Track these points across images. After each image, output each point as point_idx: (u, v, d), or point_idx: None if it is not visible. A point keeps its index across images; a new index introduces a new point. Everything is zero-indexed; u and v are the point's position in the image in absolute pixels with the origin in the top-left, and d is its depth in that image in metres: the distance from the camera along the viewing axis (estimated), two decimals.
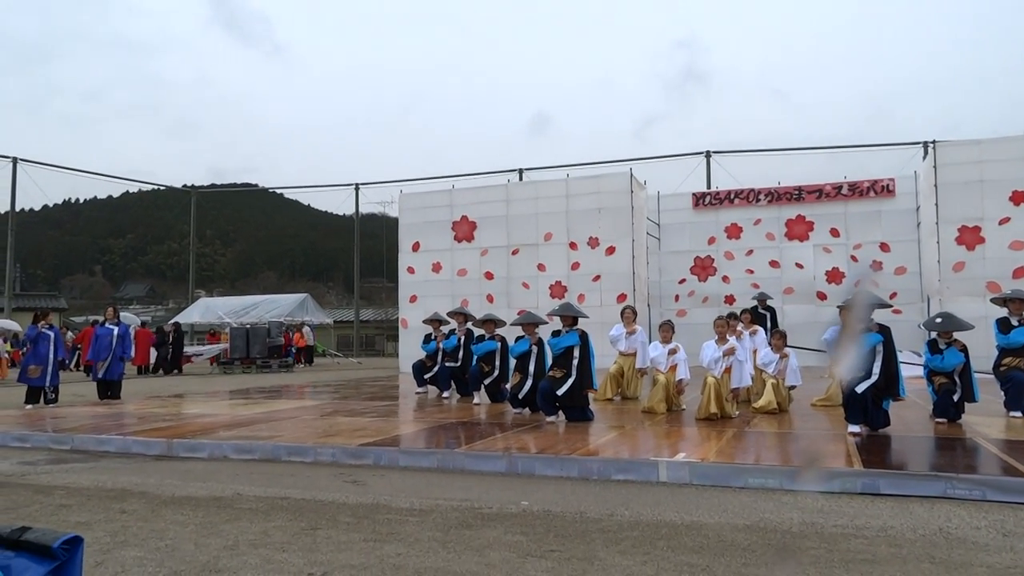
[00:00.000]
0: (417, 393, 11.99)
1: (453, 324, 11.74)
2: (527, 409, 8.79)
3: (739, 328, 9.60)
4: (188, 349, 26.68)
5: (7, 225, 29.36)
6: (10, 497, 5.19)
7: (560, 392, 8.01)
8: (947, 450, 6.15)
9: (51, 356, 11.27)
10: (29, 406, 10.98)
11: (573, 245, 18.81)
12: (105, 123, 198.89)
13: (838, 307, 7.55)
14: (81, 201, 74.40)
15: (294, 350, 26.01)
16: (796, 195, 20.02)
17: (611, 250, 18.37)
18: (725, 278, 20.51)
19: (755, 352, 9.57)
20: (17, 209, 29.92)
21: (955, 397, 7.43)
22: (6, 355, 21.69)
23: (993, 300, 9.01)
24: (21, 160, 28.62)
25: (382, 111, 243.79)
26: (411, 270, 20.51)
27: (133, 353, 16.34)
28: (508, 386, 9.52)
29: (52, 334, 11.38)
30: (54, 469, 6.39)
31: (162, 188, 44.14)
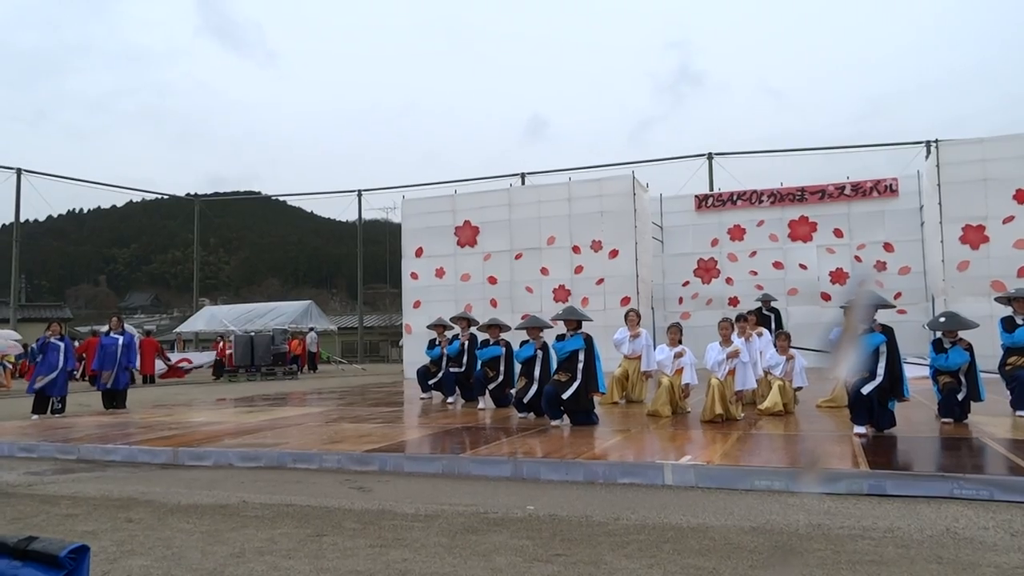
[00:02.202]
0: (422, 399, 11.99)
1: (457, 329, 11.75)
2: (532, 413, 8.78)
3: (748, 330, 9.58)
4: (183, 356, 26.54)
5: (12, 236, 29.51)
6: (17, 507, 5.21)
7: (565, 396, 8.01)
8: (953, 450, 6.13)
9: (60, 366, 11.26)
10: (35, 416, 11.00)
11: (576, 249, 18.82)
12: (108, 133, 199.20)
13: (841, 307, 7.53)
14: (85, 211, 74.76)
15: (290, 356, 25.98)
16: (799, 196, 20.01)
17: (614, 253, 18.38)
18: (729, 280, 20.49)
19: (761, 354, 9.55)
20: (22, 220, 30.11)
21: (960, 397, 7.41)
22: (11, 365, 21.74)
23: (998, 299, 8.98)
24: (25, 171, 28.76)
25: (378, 117, 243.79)
26: (414, 276, 20.54)
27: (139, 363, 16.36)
28: (513, 391, 9.51)
29: (62, 344, 11.37)
30: (60, 479, 6.40)
31: (165, 197, 44.43)
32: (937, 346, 7.65)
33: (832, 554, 3.56)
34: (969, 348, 7.51)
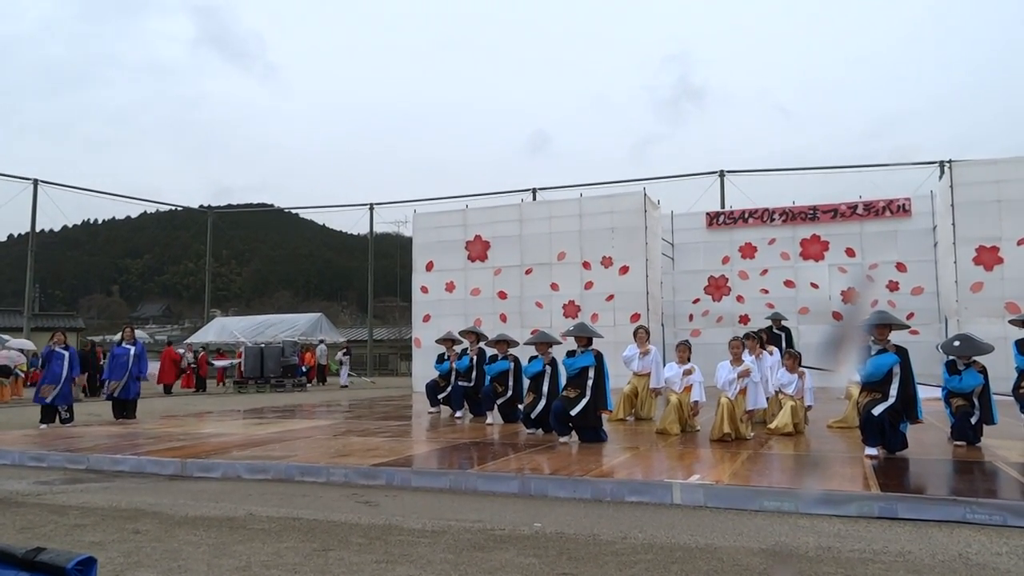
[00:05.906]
0: (430, 413, 11.97)
1: (466, 344, 11.74)
2: (540, 429, 8.75)
3: (759, 349, 9.52)
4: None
5: (27, 245, 29.81)
6: (26, 517, 5.22)
7: (574, 412, 7.98)
8: (966, 474, 6.06)
9: (64, 375, 11.26)
10: (44, 426, 11.02)
11: (586, 265, 18.81)
12: (121, 145, 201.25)
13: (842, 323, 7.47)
14: (99, 222, 75.38)
15: (304, 369, 26.08)
16: (811, 214, 19.96)
17: (625, 269, 18.36)
18: (739, 298, 20.42)
19: (771, 371, 9.48)
20: (37, 230, 30.39)
21: (973, 419, 7.33)
22: (23, 374, 21.86)
23: (1012, 321, 8.92)
24: (41, 182, 29.07)
25: (379, 131, 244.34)
26: (425, 289, 20.57)
27: (148, 373, 16.36)
28: (521, 406, 9.49)
29: (67, 353, 11.37)
30: (69, 489, 6.42)
31: (179, 209, 44.77)
32: (951, 368, 7.58)
33: None
34: (983, 370, 7.44)
